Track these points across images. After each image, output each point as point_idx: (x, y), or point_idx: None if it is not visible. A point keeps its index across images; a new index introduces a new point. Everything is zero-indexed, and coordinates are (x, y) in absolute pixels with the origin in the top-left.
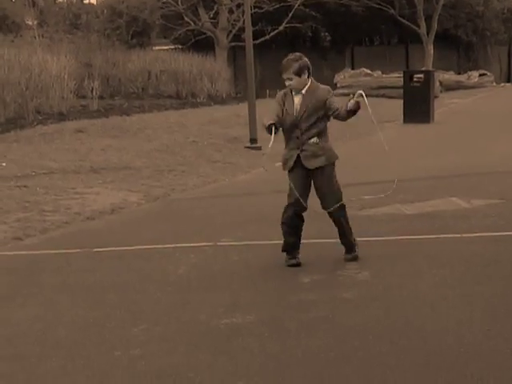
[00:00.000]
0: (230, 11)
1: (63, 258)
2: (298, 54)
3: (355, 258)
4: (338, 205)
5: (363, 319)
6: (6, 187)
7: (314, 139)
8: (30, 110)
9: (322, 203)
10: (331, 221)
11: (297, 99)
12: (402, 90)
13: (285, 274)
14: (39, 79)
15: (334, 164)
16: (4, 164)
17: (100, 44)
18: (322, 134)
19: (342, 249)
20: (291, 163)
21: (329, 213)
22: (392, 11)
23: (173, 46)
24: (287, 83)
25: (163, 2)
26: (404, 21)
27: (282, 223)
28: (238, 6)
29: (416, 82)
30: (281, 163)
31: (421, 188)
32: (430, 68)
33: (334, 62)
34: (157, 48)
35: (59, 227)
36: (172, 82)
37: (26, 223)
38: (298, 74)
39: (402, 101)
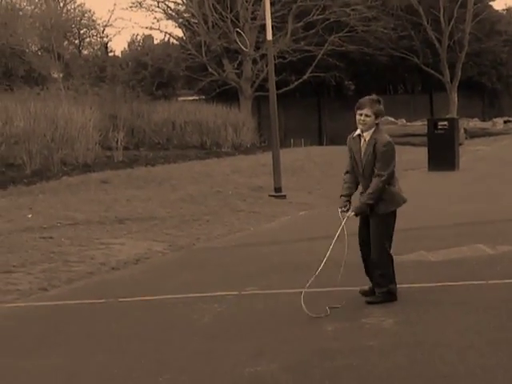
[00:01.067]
0: (254, 62)
1: (88, 308)
2: (377, 97)
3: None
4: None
5: (388, 367)
6: (31, 238)
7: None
8: (55, 161)
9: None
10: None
11: (363, 144)
12: (426, 138)
13: (309, 321)
14: (65, 131)
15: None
16: (30, 215)
17: (125, 95)
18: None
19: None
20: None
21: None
22: (416, 60)
23: (197, 97)
24: (362, 118)
25: (188, 54)
26: (428, 69)
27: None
28: (262, 56)
29: (440, 129)
30: (305, 211)
31: (446, 235)
32: (455, 115)
33: None
34: (181, 99)
35: (84, 277)
36: (196, 133)
37: (51, 274)
38: (376, 115)
39: (426, 148)
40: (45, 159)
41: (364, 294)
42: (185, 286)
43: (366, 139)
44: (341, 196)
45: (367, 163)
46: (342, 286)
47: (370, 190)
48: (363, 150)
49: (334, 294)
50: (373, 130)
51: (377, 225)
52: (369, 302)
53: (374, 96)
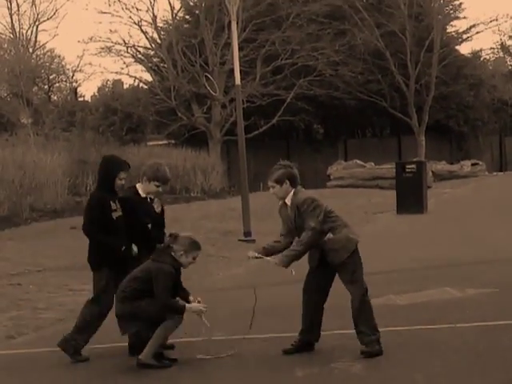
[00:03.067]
0: (223, 106)
1: (56, 356)
2: (286, 162)
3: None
4: None
5: None
6: None
7: (328, 235)
8: (24, 207)
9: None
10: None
11: (289, 210)
12: (394, 181)
13: (279, 367)
14: (33, 177)
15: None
16: None
17: (94, 141)
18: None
19: (336, 340)
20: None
21: None
22: (384, 104)
23: (167, 141)
24: (271, 191)
25: (157, 98)
26: (396, 113)
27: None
28: (231, 100)
29: (408, 172)
30: (274, 255)
31: (414, 278)
32: (423, 158)
33: (327, 154)
34: (151, 143)
35: (52, 324)
36: None
37: (19, 321)
38: (280, 182)
39: (395, 191)
40: (13, 205)
41: (287, 352)
42: None
43: (288, 205)
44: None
45: (299, 227)
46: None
47: (295, 244)
48: (291, 216)
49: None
50: (291, 194)
51: (342, 274)
52: (364, 352)
53: (280, 163)
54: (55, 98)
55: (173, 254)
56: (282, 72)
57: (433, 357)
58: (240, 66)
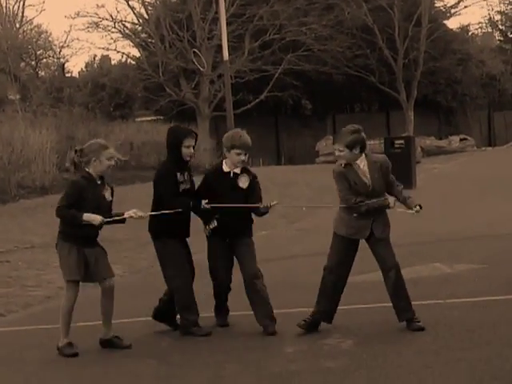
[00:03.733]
0: (211, 82)
1: (45, 334)
2: (357, 126)
3: None
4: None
5: None
6: None
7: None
8: (12, 184)
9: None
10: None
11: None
12: None
13: (269, 344)
14: (21, 153)
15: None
16: None
17: (82, 117)
18: None
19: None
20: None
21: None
22: (372, 79)
23: (155, 117)
24: (336, 154)
25: (145, 74)
26: (384, 88)
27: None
28: (219, 76)
29: (397, 148)
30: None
31: (403, 254)
32: (411, 134)
33: (316, 129)
34: (139, 119)
35: (41, 302)
36: (154, 153)
37: (8, 299)
38: (350, 147)
39: None
40: (1, 182)
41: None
42: (144, 309)
43: (362, 166)
44: None
45: (379, 186)
46: (302, 306)
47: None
48: (372, 175)
49: (294, 315)
50: (363, 157)
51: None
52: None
53: (351, 126)
54: (43, 73)
55: (87, 169)
56: (270, 47)
57: (422, 333)
58: (228, 41)
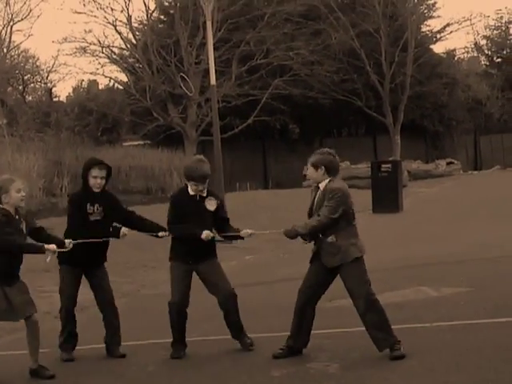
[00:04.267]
0: (199, 106)
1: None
2: (329, 150)
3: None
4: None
5: None
6: None
7: (331, 238)
8: None
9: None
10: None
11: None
12: (370, 180)
13: (256, 367)
14: None
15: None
16: None
17: (70, 141)
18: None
19: (312, 338)
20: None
21: None
22: (359, 103)
23: (142, 142)
24: (304, 173)
25: (132, 99)
26: (371, 112)
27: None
28: (207, 100)
29: (384, 172)
30: (251, 256)
31: (389, 278)
32: (398, 158)
33: (304, 153)
34: (126, 144)
35: (12, 332)
36: (141, 178)
37: None
38: (315, 166)
39: (370, 191)
40: None
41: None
42: (130, 332)
43: (320, 190)
44: None
45: (317, 211)
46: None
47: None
48: (317, 199)
49: (281, 338)
50: (326, 181)
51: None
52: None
53: (324, 149)
54: (30, 98)
55: (1, 205)
56: (257, 72)
57: (408, 357)
58: (215, 65)
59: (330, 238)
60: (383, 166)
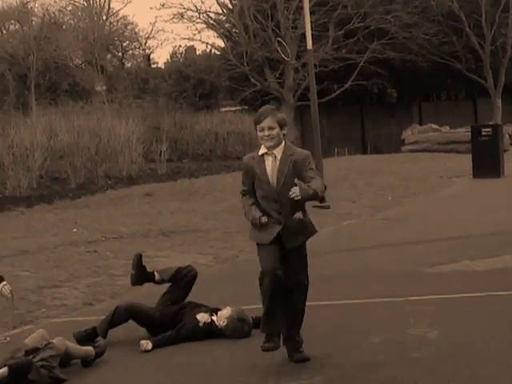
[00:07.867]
0: (296, 71)
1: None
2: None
3: (305, 359)
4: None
5: (432, 379)
6: (76, 253)
7: (299, 214)
8: (99, 174)
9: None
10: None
11: (270, 164)
12: (470, 145)
13: (354, 333)
14: (108, 144)
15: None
16: (75, 230)
17: (167, 107)
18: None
19: (412, 305)
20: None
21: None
22: (458, 66)
23: (240, 107)
24: (267, 133)
25: (229, 64)
26: (471, 75)
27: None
28: (303, 65)
29: (484, 136)
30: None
31: (491, 243)
32: (499, 121)
33: (402, 118)
34: (224, 109)
35: (129, 291)
36: (239, 143)
37: (96, 288)
38: (281, 125)
39: (470, 155)
40: (89, 173)
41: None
42: (231, 298)
43: (277, 157)
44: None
45: (285, 184)
46: (385, 297)
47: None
48: (282, 170)
49: (377, 305)
50: (282, 145)
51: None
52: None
53: (268, 106)
54: (128, 65)
55: None
56: (354, 36)
57: (510, 324)
58: (312, 30)
59: (299, 214)
60: (483, 130)
